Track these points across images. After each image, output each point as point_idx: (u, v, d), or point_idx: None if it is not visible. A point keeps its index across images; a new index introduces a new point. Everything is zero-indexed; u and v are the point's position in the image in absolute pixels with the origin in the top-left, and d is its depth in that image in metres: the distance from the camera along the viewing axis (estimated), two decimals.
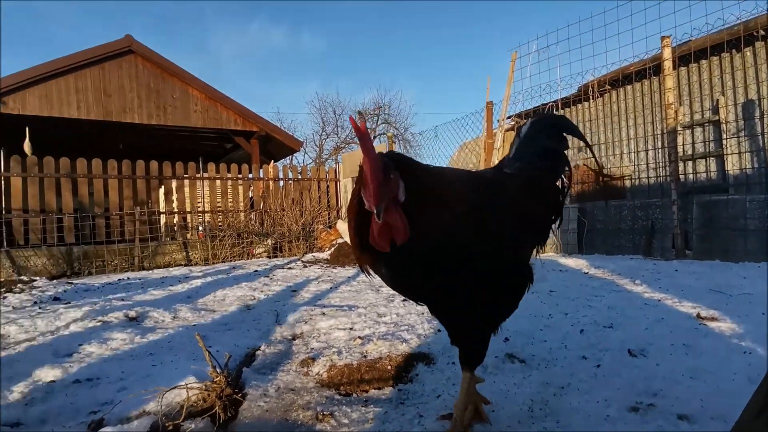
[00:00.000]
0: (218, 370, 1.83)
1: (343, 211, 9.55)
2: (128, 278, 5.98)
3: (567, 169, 1.71)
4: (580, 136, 1.78)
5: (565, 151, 1.74)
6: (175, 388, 1.77)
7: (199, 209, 9.16)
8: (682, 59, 7.71)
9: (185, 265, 7.80)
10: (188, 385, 1.77)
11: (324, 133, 28.79)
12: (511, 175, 1.47)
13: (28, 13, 43.58)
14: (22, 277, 6.02)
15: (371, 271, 1.25)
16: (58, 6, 45.36)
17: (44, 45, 43.62)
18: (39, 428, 1.67)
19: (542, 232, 1.60)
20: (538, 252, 1.60)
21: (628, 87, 9.40)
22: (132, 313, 3.35)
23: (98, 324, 3.10)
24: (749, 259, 4.85)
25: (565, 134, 1.76)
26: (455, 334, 1.35)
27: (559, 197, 1.68)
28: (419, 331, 2.59)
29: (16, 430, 1.65)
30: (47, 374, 2.16)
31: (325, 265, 6.35)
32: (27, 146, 9.58)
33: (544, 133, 1.71)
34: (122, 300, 4.04)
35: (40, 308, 3.84)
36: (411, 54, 49.59)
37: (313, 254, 7.36)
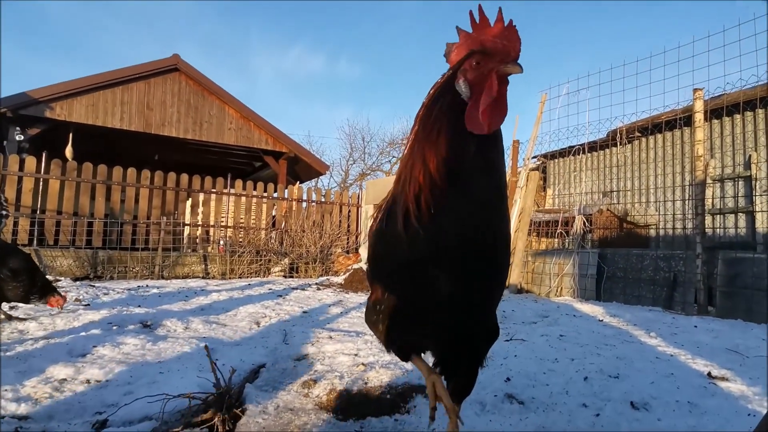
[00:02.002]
0: (222, 384, 1.88)
1: (362, 236, 9.61)
2: (147, 285, 6.13)
3: None
4: None
5: None
6: (178, 396, 1.83)
7: (223, 224, 9.38)
8: (714, 112, 7.65)
9: (203, 278, 7.95)
10: (191, 395, 1.82)
11: (351, 158, 29.35)
12: None
13: (89, 24, 46.46)
14: (47, 277, 6.22)
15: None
16: (115, 21, 48.11)
17: (97, 55, 46.22)
18: (46, 423, 1.72)
19: None
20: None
21: (658, 135, 9.35)
22: (147, 320, 3.45)
23: (114, 328, 3.21)
24: None
25: None
26: (448, 360, 1.38)
27: None
28: None
29: (24, 423, 1.71)
30: (60, 372, 2.25)
31: (338, 290, 6.39)
32: (69, 152, 10.09)
33: None
34: (139, 306, 4.16)
35: (60, 308, 3.98)
36: None
37: (328, 277, 7.42)
